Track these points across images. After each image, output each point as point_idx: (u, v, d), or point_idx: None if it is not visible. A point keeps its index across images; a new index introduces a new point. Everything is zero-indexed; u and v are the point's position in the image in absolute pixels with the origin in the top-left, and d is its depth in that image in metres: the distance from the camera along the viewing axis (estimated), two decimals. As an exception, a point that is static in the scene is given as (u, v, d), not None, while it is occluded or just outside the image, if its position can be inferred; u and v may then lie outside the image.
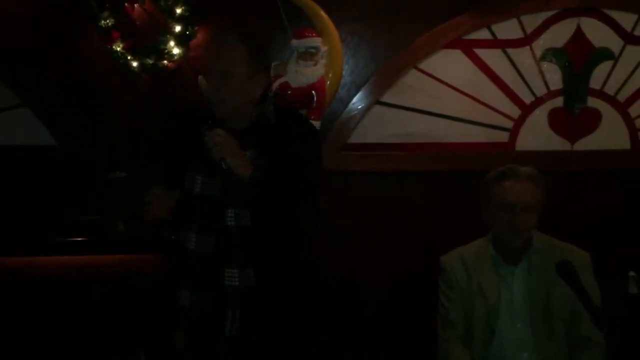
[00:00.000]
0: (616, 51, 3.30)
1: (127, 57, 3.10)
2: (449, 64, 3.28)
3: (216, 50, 2.00)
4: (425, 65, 3.28)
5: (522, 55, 3.28)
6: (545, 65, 3.31)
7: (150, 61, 3.10)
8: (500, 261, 2.42)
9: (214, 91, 1.98)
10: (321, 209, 2.14)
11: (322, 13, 3.09)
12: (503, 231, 2.39)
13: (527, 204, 2.35)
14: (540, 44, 3.30)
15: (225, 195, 2.03)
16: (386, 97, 3.29)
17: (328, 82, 3.06)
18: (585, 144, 3.32)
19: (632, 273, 2.78)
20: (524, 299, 2.38)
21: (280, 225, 2.05)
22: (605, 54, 3.30)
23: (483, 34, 3.27)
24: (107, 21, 3.08)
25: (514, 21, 3.26)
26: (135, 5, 3.13)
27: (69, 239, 3.05)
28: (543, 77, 3.31)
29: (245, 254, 2.02)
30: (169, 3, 3.08)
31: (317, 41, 3.04)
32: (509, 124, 3.33)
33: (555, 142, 3.32)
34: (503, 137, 3.33)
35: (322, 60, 3.04)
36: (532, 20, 3.27)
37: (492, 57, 3.28)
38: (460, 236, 2.61)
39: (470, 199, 2.69)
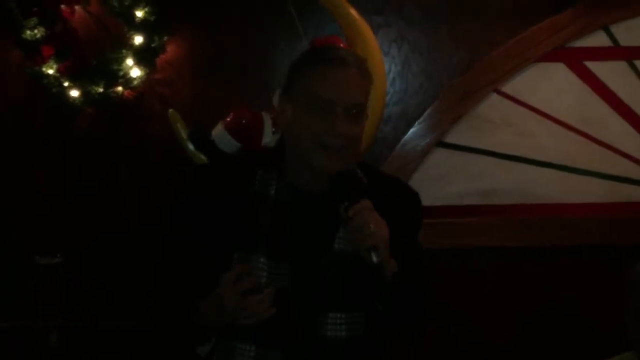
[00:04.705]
0: None
1: (63, 84, 2.77)
2: (548, 84, 2.91)
3: (340, 73, 1.74)
4: (511, 87, 2.92)
5: (660, 70, 2.97)
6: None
7: (98, 89, 2.77)
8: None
9: (345, 131, 1.74)
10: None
11: (353, 12, 2.69)
12: None
13: None
14: (690, 52, 2.97)
15: (323, 291, 1.77)
16: (453, 136, 2.95)
17: (364, 115, 2.68)
18: None
19: None
20: None
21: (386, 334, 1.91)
22: None
23: (598, 39, 2.89)
24: (35, 31, 2.74)
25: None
26: (77, 8, 2.81)
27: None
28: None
29: None
30: (126, 4, 2.73)
31: (346, 53, 2.64)
32: (646, 175, 3.04)
33: None
34: (637, 194, 2.93)
35: (355, 82, 2.66)
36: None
37: (613, 73, 2.90)
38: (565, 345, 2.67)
39: (586, 290, 2.72)
